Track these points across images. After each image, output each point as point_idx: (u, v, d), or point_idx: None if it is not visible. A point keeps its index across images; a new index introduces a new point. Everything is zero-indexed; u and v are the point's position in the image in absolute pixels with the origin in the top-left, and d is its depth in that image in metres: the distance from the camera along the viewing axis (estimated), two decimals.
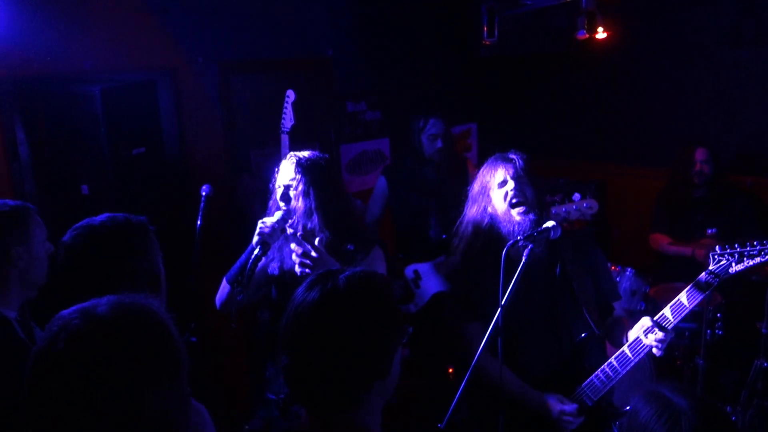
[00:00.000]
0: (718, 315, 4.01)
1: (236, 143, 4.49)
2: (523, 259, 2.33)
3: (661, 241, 4.55)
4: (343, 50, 4.90)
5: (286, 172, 2.64)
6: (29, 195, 3.50)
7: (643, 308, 4.22)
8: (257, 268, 2.61)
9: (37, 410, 1.10)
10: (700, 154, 4.45)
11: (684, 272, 4.32)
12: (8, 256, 2.10)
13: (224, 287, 2.76)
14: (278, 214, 2.59)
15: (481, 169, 2.66)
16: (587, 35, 3.98)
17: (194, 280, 3.11)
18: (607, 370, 2.50)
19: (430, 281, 4.25)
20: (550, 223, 2.40)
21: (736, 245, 2.35)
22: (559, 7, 4.50)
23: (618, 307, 2.70)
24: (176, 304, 2.64)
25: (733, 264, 2.34)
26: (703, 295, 2.34)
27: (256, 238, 2.57)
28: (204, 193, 3.32)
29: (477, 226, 2.62)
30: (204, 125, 4.27)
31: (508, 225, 2.53)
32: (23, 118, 3.53)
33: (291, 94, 3.39)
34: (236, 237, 3.95)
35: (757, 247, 2.31)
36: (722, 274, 2.35)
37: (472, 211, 2.65)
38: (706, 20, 4.87)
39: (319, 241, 2.54)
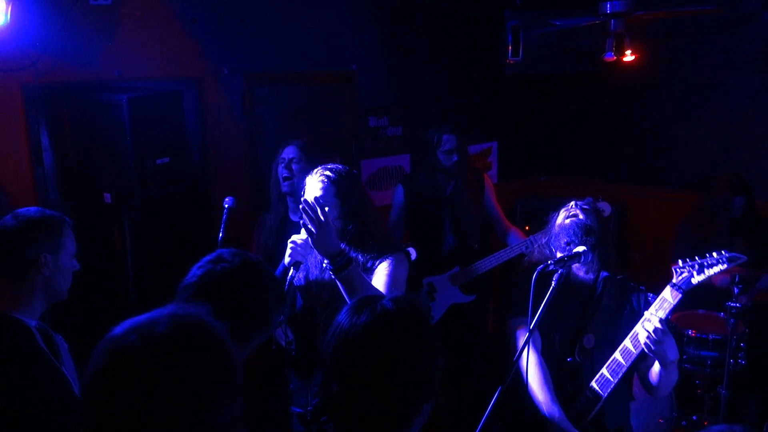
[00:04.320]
0: (742, 344, 3.94)
1: (259, 155, 4.48)
2: (553, 284, 2.34)
3: None
4: (367, 65, 4.90)
5: (313, 187, 2.63)
6: (52, 201, 3.50)
7: None
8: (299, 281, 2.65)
9: None
10: (738, 201, 4.31)
11: (706, 299, 4.26)
12: (36, 262, 2.12)
13: None
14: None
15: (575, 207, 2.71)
16: (615, 57, 3.95)
17: None
18: (588, 393, 2.54)
19: (445, 293, 4.23)
20: (580, 248, 2.43)
21: (696, 257, 2.44)
22: (585, 27, 4.48)
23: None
24: None
25: (695, 274, 2.42)
26: (674, 304, 2.42)
27: (288, 258, 2.57)
28: (227, 205, 3.31)
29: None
30: (227, 136, 4.27)
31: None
32: (49, 124, 3.55)
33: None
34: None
35: (716, 257, 2.40)
36: (684, 287, 2.41)
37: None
38: (735, 45, 4.83)
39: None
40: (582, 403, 2.53)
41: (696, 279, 2.40)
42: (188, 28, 4.04)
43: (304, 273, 2.74)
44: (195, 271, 1.85)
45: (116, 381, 1.05)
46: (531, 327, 2.28)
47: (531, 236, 4.04)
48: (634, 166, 5.61)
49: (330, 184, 2.60)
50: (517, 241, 4.23)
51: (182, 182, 3.57)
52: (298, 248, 2.57)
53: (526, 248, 4.01)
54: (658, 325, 2.33)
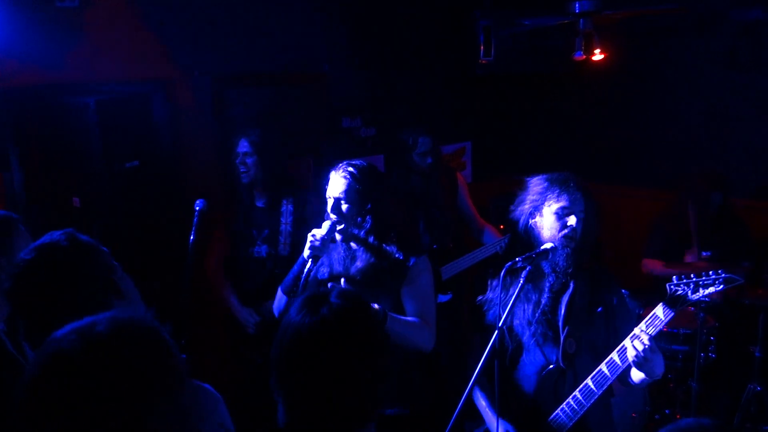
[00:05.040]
0: (712, 338, 4.00)
1: (230, 158, 4.44)
2: (521, 281, 2.32)
3: (653, 266, 4.51)
4: (339, 66, 4.89)
5: (336, 183, 2.67)
6: (20, 206, 3.45)
7: None
8: (310, 277, 2.67)
9: None
10: (716, 198, 4.36)
11: None
12: None
13: (280, 297, 2.83)
14: (326, 225, 2.65)
15: (535, 185, 2.56)
16: (584, 56, 3.99)
17: (186, 295, 3.06)
18: (572, 403, 2.44)
19: None
20: (548, 245, 2.39)
21: (692, 275, 2.35)
22: (556, 27, 4.51)
23: None
24: (168, 319, 2.61)
25: (689, 293, 2.34)
26: (665, 322, 2.34)
27: (307, 252, 2.62)
28: (197, 208, 3.29)
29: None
30: (198, 139, 4.24)
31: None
32: (15, 128, 3.49)
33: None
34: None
35: (712, 277, 2.32)
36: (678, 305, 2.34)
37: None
38: (703, 43, 4.90)
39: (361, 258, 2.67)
40: (565, 411, 2.45)
41: (691, 297, 2.34)
42: (157, 30, 3.99)
43: (328, 268, 2.78)
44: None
45: (58, 381, 1.05)
46: (500, 324, 2.27)
47: (506, 235, 4.06)
48: (604, 164, 5.67)
49: (352, 181, 2.65)
50: (492, 240, 4.26)
51: (152, 185, 3.54)
52: (317, 243, 2.61)
53: (500, 248, 4.04)
54: (647, 344, 2.27)
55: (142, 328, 1.14)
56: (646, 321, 2.35)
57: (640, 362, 2.29)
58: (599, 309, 2.52)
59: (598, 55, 3.94)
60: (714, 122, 5.00)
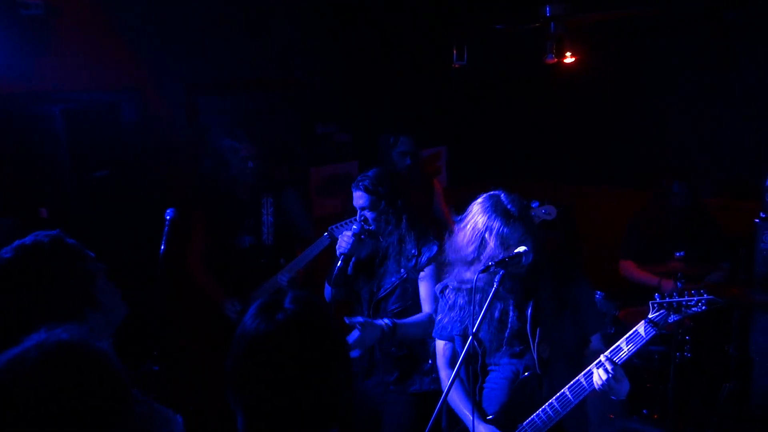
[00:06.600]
0: (687, 338, 4.01)
1: (205, 165, 4.40)
2: (495, 286, 2.29)
3: (629, 268, 4.54)
4: (313, 72, 4.87)
5: (357, 196, 3.08)
6: None
7: (612, 332, 4.22)
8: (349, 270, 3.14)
9: None
10: (677, 187, 4.36)
11: (653, 296, 4.32)
12: None
13: (326, 288, 3.27)
14: (353, 229, 3.07)
15: (483, 202, 2.54)
16: (555, 60, 4.01)
17: (157, 306, 3.02)
18: (548, 410, 2.44)
19: None
20: (521, 248, 2.36)
21: (674, 294, 2.36)
22: (529, 31, 4.53)
23: (596, 340, 2.63)
24: (140, 331, 2.59)
25: (672, 314, 2.35)
26: (645, 339, 2.35)
27: (339, 250, 3.07)
28: (168, 218, 3.24)
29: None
30: (171, 147, 4.18)
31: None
32: None
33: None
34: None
35: (695, 298, 2.32)
36: (661, 323, 2.35)
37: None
38: (675, 44, 4.94)
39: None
40: (541, 417, 2.44)
41: (673, 317, 2.35)
42: (127, 37, 3.94)
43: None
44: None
45: None
46: (474, 330, 2.25)
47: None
48: (580, 166, 5.70)
49: (365, 192, 3.05)
50: None
51: (123, 195, 3.49)
52: (345, 248, 3.05)
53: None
54: (611, 372, 2.28)
55: (78, 355, 1.08)
56: (627, 337, 2.36)
57: (606, 389, 2.31)
58: (566, 310, 2.51)
59: (569, 58, 3.96)
60: (687, 122, 5.04)
